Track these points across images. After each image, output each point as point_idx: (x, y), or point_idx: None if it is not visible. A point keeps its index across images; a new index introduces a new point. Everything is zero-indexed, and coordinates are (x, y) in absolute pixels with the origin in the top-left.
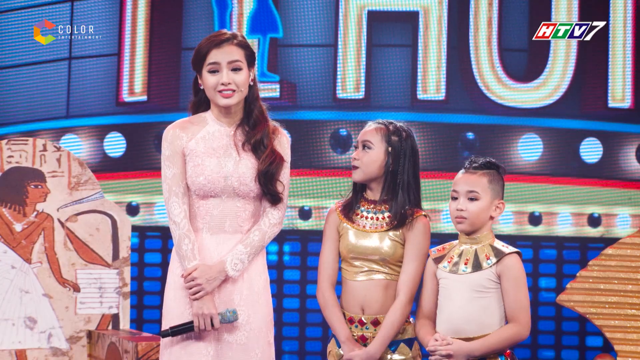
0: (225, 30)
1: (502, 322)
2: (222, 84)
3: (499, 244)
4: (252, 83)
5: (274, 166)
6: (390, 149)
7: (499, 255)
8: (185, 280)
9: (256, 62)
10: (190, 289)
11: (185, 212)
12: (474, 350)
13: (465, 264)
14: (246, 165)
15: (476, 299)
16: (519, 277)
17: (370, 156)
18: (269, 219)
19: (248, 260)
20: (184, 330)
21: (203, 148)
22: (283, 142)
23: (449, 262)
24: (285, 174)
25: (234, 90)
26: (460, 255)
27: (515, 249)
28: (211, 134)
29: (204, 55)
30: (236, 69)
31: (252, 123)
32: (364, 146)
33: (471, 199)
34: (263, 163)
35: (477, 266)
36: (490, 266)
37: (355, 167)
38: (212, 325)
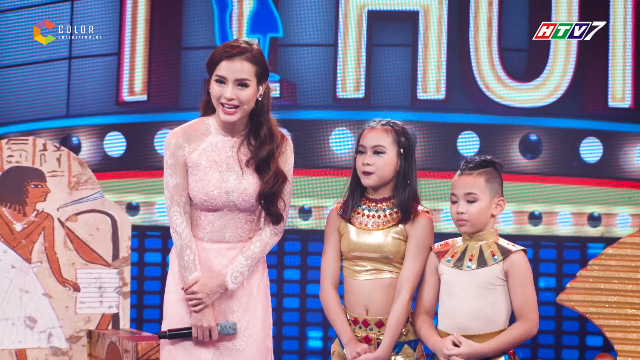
0: (241, 41)
1: (508, 319)
2: (225, 98)
3: (503, 242)
4: (260, 98)
5: (276, 187)
6: (402, 150)
7: (505, 252)
8: (185, 292)
9: (268, 76)
10: (190, 300)
11: (186, 222)
12: (487, 352)
13: (470, 259)
14: (249, 181)
15: (482, 295)
16: (526, 274)
17: (385, 161)
18: (270, 229)
19: (248, 272)
20: (182, 335)
21: (205, 162)
22: (287, 155)
23: (452, 257)
24: (287, 190)
25: (236, 107)
26: (464, 252)
27: (521, 247)
28: (214, 145)
29: (215, 63)
30: (243, 85)
31: (259, 140)
32: (375, 151)
33: (470, 201)
34: (266, 185)
35: (482, 262)
36: (497, 262)
37: (369, 173)
38: (210, 336)
